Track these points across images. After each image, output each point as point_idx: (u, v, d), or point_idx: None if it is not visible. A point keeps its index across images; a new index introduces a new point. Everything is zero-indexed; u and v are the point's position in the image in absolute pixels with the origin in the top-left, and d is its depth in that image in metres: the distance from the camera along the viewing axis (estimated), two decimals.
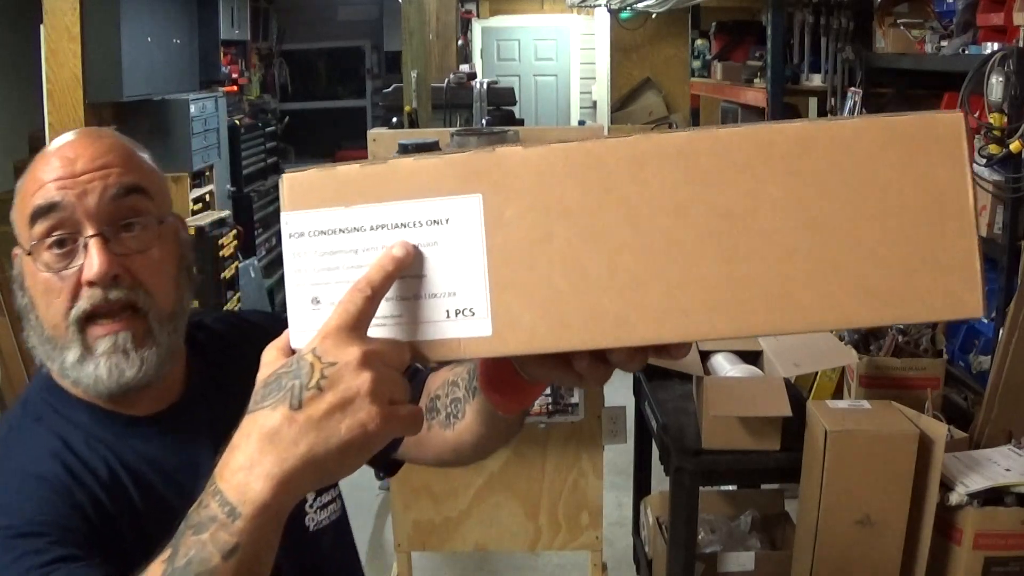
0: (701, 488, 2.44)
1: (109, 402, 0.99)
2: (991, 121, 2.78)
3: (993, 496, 1.98)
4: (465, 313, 0.68)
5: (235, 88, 7.42)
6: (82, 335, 0.95)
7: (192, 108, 5.72)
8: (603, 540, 2.68)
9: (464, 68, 5.24)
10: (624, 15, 7.61)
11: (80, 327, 0.95)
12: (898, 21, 3.71)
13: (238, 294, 5.05)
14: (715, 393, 2.29)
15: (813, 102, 5.25)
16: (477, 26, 9.53)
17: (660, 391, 2.65)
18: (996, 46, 2.90)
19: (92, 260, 0.94)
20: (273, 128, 8.13)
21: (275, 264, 6.23)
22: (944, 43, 3.36)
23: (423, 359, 0.70)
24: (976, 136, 2.84)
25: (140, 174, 0.99)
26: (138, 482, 0.98)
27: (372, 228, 0.69)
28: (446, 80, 4.42)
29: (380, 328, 0.69)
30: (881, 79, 3.96)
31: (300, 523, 1.09)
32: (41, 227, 0.95)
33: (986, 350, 2.90)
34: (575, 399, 2.54)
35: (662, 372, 2.70)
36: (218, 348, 1.13)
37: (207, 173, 6.05)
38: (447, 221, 0.68)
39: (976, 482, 1.99)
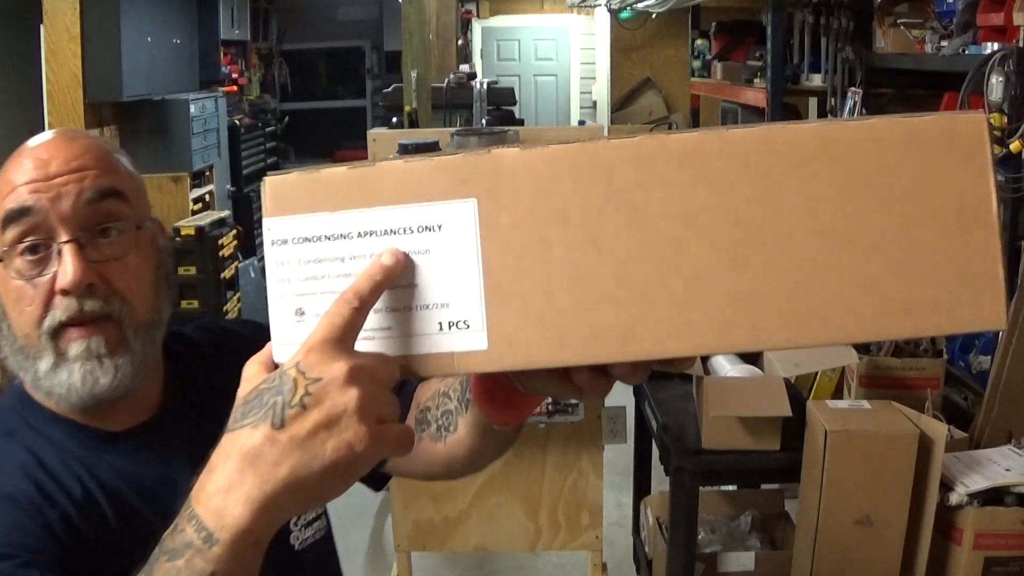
0: (701, 488, 2.44)
1: (83, 415, 0.95)
2: (991, 121, 2.78)
3: (993, 496, 1.98)
4: (459, 326, 0.64)
5: (235, 88, 7.43)
6: (55, 342, 0.91)
7: (192, 108, 5.72)
8: (603, 540, 2.68)
9: (464, 68, 5.24)
10: (624, 15, 7.61)
11: (53, 335, 0.90)
12: (898, 21, 3.71)
13: (238, 294, 5.05)
14: (715, 393, 2.29)
15: (813, 102, 5.25)
16: (477, 26, 9.53)
17: (660, 391, 2.65)
18: (996, 46, 2.90)
19: (66, 268, 0.89)
20: (273, 128, 8.14)
21: None
22: (944, 43, 3.36)
23: (414, 374, 0.66)
24: None
25: (117, 177, 0.95)
26: (113, 500, 0.93)
27: (360, 235, 0.65)
28: (446, 80, 4.42)
29: (368, 341, 0.65)
30: (881, 79, 3.96)
31: (285, 541, 1.05)
32: (13, 232, 0.90)
33: (986, 350, 2.90)
34: (575, 399, 2.54)
35: (662, 372, 2.69)
36: (198, 359, 1.08)
37: (207, 173, 6.05)
38: (440, 228, 0.64)
39: (976, 482, 1.99)
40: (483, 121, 4.07)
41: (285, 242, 0.66)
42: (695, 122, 7.67)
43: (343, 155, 8.88)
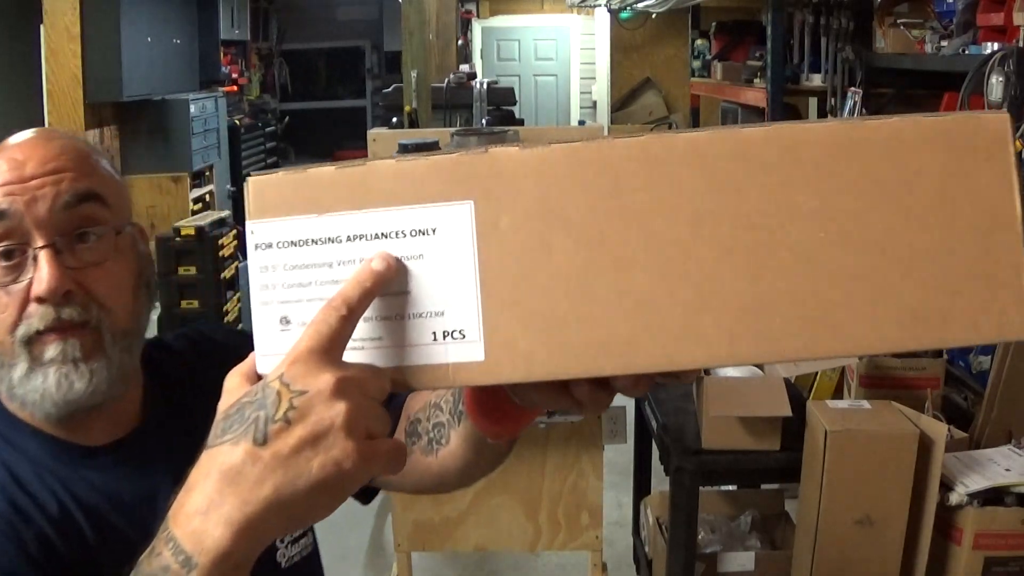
0: (701, 488, 2.44)
1: (60, 428, 0.91)
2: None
3: (993, 496, 1.98)
4: (454, 335, 0.60)
5: (235, 88, 7.43)
6: (29, 348, 0.86)
7: (192, 108, 5.72)
8: (603, 540, 2.68)
9: (464, 68, 5.24)
10: (624, 15, 7.62)
11: (27, 342, 0.86)
12: (898, 21, 3.71)
13: (238, 294, 5.05)
14: (715, 393, 2.29)
15: (813, 102, 5.25)
16: (477, 26, 9.53)
17: (660, 391, 2.65)
18: (996, 46, 2.90)
19: (41, 274, 0.85)
20: (273, 128, 8.14)
21: None
22: (944, 43, 3.36)
23: (406, 387, 0.62)
24: None
25: (96, 179, 0.90)
26: (91, 517, 0.89)
27: (349, 239, 0.61)
28: (446, 80, 4.42)
29: (357, 352, 0.61)
30: (881, 79, 3.96)
31: (272, 560, 1.01)
32: None
33: (986, 350, 2.90)
34: None
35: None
36: (178, 369, 1.04)
37: (207, 173, 6.05)
38: (434, 231, 0.60)
39: (976, 482, 1.99)
40: (483, 121, 4.08)
41: (269, 246, 0.62)
42: (695, 122, 7.67)
43: (343, 155, 8.88)
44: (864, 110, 3.89)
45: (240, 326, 4.77)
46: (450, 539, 2.68)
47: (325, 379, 0.57)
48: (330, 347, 0.58)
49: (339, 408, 0.57)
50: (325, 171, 0.61)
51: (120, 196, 0.93)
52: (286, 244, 0.62)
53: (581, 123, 9.02)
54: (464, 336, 0.60)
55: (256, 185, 0.63)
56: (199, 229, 4.86)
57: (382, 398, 0.60)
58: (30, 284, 0.86)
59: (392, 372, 0.61)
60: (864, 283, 0.56)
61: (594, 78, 9.23)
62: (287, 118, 8.99)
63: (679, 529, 2.40)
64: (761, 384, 2.33)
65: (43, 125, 4.82)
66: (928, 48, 3.52)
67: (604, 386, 0.63)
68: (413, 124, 4.23)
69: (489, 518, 2.64)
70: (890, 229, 0.56)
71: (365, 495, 1.14)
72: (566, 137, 0.60)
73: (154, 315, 5.04)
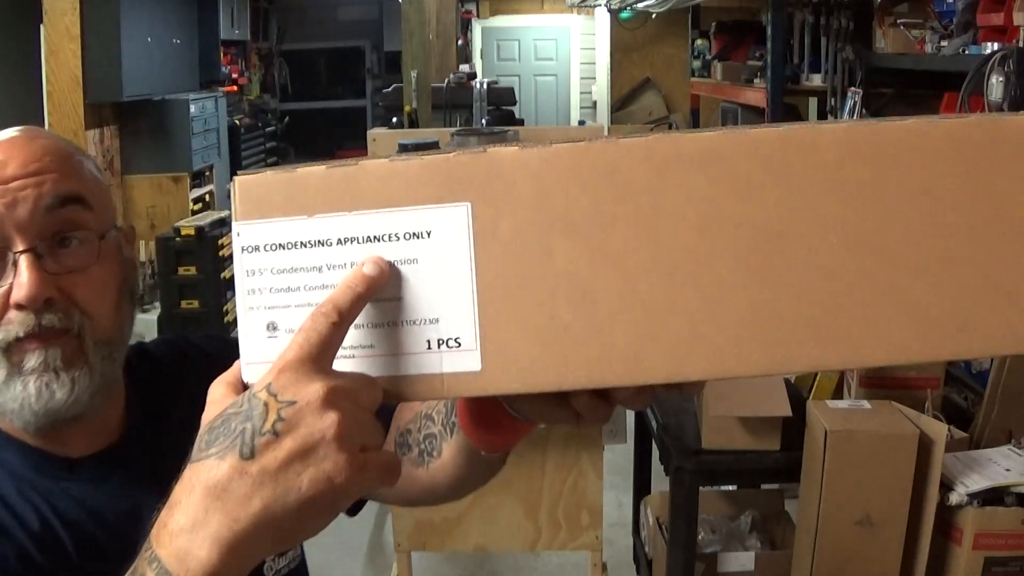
0: (701, 488, 2.44)
1: (40, 439, 0.88)
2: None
3: (993, 496, 1.98)
4: (449, 344, 0.58)
5: (235, 88, 7.44)
6: (8, 355, 0.83)
7: (192, 108, 5.73)
8: (603, 540, 2.68)
9: (464, 68, 5.25)
10: (624, 15, 7.62)
11: (6, 348, 0.83)
12: (898, 21, 3.71)
13: None
14: (715, 393, 2.28)
15: (813, 102, 5.25)
16: (477, 26, 9.53)
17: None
18: (996, 46, 2.90)
19: (22, 280, 0.81)
20: (273, 128, 8.15)
21: None
22: (944, 43, 3.36)
23: (399, 397, 0.59)
24: None
25: (79, 182, 0.87)
26: (73, 532, 0.86)
27: (339, 242, 0.58)
28: (446, 80, 4.42)
29: (348, 360, 0.58)
30: (881, 79, 3.96)
31: (259, 573, 0.98)
32: None
33: None
34: None
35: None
36: (161, 377, 1.00)
37: (207, 173, 6.06)
38: (429, 234, 0.57)
39: (976, 482, 1.99)
40: (483, 121, 4.08)
41: (256, 249, 0.60)
42: (695, 122, 7.67)
43: (343, 155, 8.86)
44: (864, 110, 3.89)
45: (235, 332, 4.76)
46: (450, 539, 2.68)
47: (315, 389, 0.55)
48: (319, 355, 0.56)
49: (330, 419, 0.54)
50: (315, 171, 0.59)
51: (104, 199, 0.90)
52: (274, 247, 0.59)
53: (581, 123, 9.03)
54: (460, 345, 0.58)
55: (243, 185, 0.60)
56: (199, 229, 4.86)
57: (374, 409, 0.57)
58: (9, 290, 0.82)
59: (384, 382, 0.58)
60: (878, 291, 0.54)
61: (594, 78, 9.23)
62: (287, 118, 8.99)
63: (679, 529, 2.40)
64: (761, 384, 2.33)
65: (43, 125, 4.82)
66: (928, 48, 3.52)
67: (604, 397, 0.61)
68: (413, 124, 4.23)
69: (489, 518, 2.64)
70: (906, 235, 0.54)
71: (353, 507, 1.10)
72: (566, 137, 0.58)
73: (154, 315, 5.07)
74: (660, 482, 2.81)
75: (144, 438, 0.95)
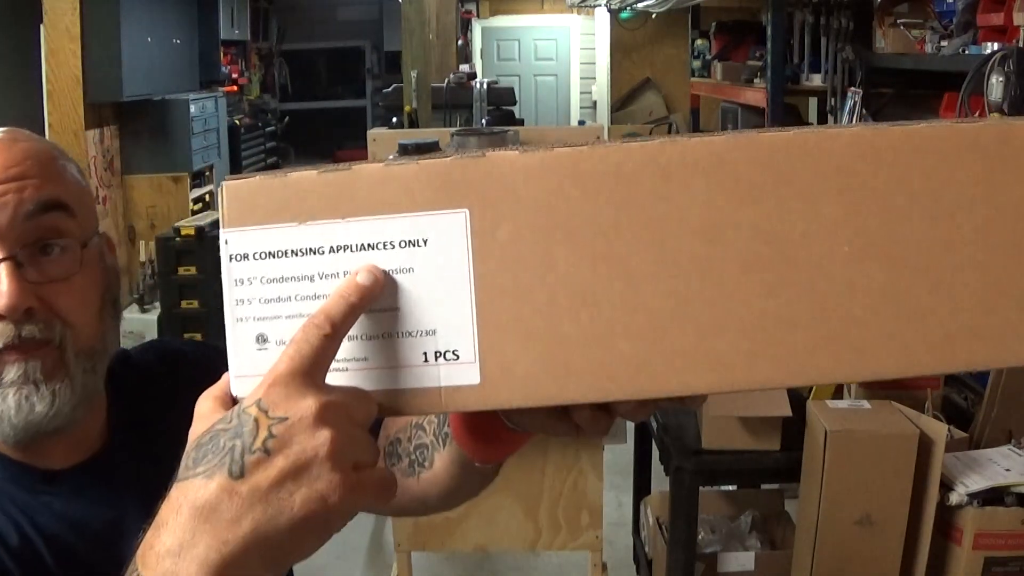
0: (701, 488, 2.44)
1: (19, 451, 0.84)
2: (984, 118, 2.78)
3: (993, 496, 1.98)
4: (447, 356, 0.55)
5: (235, 88, 7.44)
6: None
7: (192, 108, 5.73)
8: (603, 540, 2.68)
9: (464, 68, 5.25)
10: (624, 15, 7.61)
11: None
12: (898, 21, 3.71)
13: None
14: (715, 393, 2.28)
15: (813, 102, 5.25)
16: (477, 26, 9.53)
17: None
18: (996, 46, 2.90)
19: (1, 289, 0.78)
20: (273, 128, 8.15)
21: None
22: (944, 43, 3.36)
23: (394, 412, 0.57)
24: None
25: (61, 187, 0.83)
26: (54, 547, 0.83)
27: (332, 250, 0.56)
28: (446, 80, 4.42)
29: (341, 373, 0.56)
30: (881, 79, 3.96)
31: None
32: None
33: None
34: None
35: None
36: (144, 385, 0.97)
37: (207, 173, 6.06)
38: (425, 242, 0.55)
39: (976, 482, 1.99)
40: (483, 121, 4.08)
41: (245, 257, 0.57)
42: (695, 122, 7.67)
43: (343, 155, 8.89)
44: (864, 110, 3.89)
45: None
46: (450, 539, 2.68)
47: (307, 404, 0.52)
48: (312, 369, 0.54)
49: (323, 437, 0.52)
50: (306, 176, 0.56)
51: (86, 205, 0.87)
52: (263, 255, 0.57)
53: (581, 123, 9.03)
54: (458, 357, 0.56)
55: (231, 190, 0.57)
56: (199, 229, 4.86)
57: (369, 424, 0.55)
58: None
59: (379, 396, 0.56)
60: (890, 301, 0.53)
61: (594, 78, 9.23)
62: (287, 118, 9.00)
63: (679, 529, 2.40)
64: None
65: (43, 125, 4.82)
66: (928, 48, 3.52)
67: (605, 409, 0.59)
68: (413, 124, 4.23)
69: (489, 518, 2.64)
70: (918, 243, 0.52)
71: None
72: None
73: (154, 315, 5.07)
74: (660, 482, 2.81)
75: (128, 448, 0.92)
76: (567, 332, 0.54)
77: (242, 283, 0.57)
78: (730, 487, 2.99)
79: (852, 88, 4.04)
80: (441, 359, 0.56)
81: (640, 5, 6.40)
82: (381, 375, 0.56)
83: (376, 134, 2.70)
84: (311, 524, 0.52)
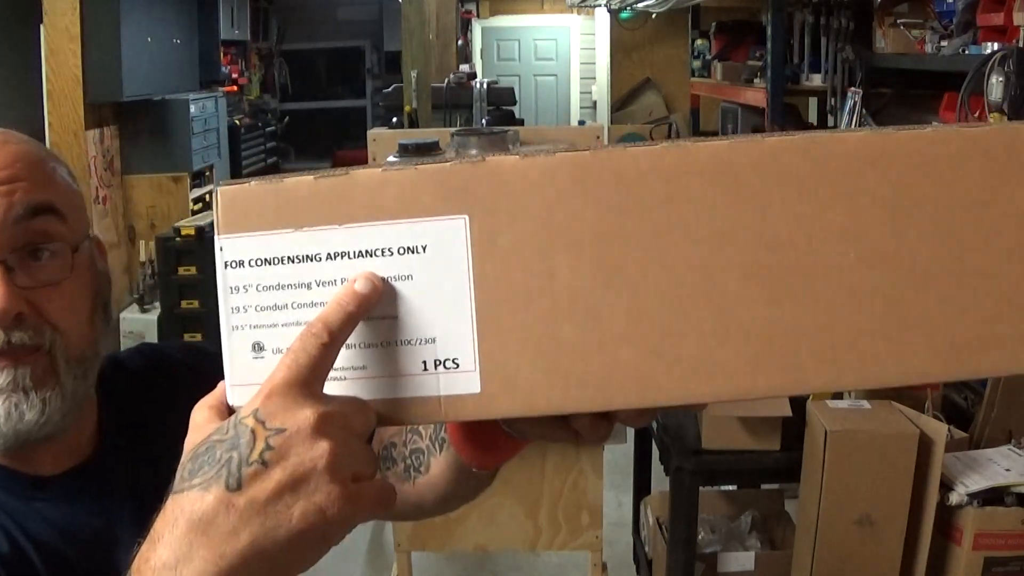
0: (701, 488, 2.44)
1: (8, 457, 0.83)
2: (991, 121, 2.78)
3: (993, 496, 1.98)
4: (447, 365, 0.55)
5: (235, 88, 7.44)
6: None
7: (192, 108, 5.73)
8: (603, 540, 2.68)
9: (464, 68, 5.25)
10: (624, 15, 7.61)
11: None
12: (898, 21, 3.70)
13: None
14: None
15: (813, 102, 5.24)
16: (477, 26, 9.53)
17: None
18: (996, 46, 2.90)
19: None
20: (273, 128, 8.15)
21: None
22: (944, 43, 3.36)
23: (393, 421, 0.56)
24: None
25: (52, 190, 0.82)
26: (46, 556, 0.82)
27: (329, 257, 0.55)
28: (446, 80, 4.42)
29: (339, 383, 0.55)
30: (881, 79, 3.96)
31: None
32: None
33: None
34: None
35: None
36: (135, 389, 0.96)
37: (207, 173, 6.06)
38: (424, 249, 0.54)
39: (976, 482, 1.99)
40: (483, 121, 4.08)
41: (241, 264, 0.56)
42: (695, 122, 7.67)
43: (343, 155, 8.88)
44: (864, 110, 3.89)
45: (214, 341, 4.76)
46: (450, 539, 2.68)
47: (305, 415, 0.52)
48: (309, 378, 0.53)
49: (321, 448, 0.51)
50: (303, 181, 0.55)
51: (77, 208, 0.85)
52: (259, 262, 0.56)
53: (581, 123, 9.02)
54: (458, 366, 0.55)
55: (226, 196, 0.56)
56: (199, 229, 4.86)
57: (367, 435, 0.55)
58: None
59: (378, 405, 0.55)
60: (897, 308, 0.52)
61: (594, 78, 9.23)
62: (287, 118, 9.00)
63: (679, 529, 2.40)
64: None
65: (43, 125, 4.82)
66: (928, 48, 3.52)
67: (605, 416, 0.59)
68: (413, 124, 4.23)
69: (489, 518, 2.64)
70: (925, 250, 0.52)
71: None
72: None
73: (154, 315, 5.08)
74: (660, 482, 2.81)
75: (118, 453, 0.91)
76: (568, 340, 0.54)
77: (238, 290, 0.56)
78: (730, 487, 2.99)
79: (852, 88, 4.04)
80: (441, 368, 0.55)
81: (640, 5, 6.40)
82: (380, 384, 0.56)
83: (376, 134, 2.69)
84: (310, 537, 0.51)
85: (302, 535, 0.51)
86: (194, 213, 5.50)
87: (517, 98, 4.68)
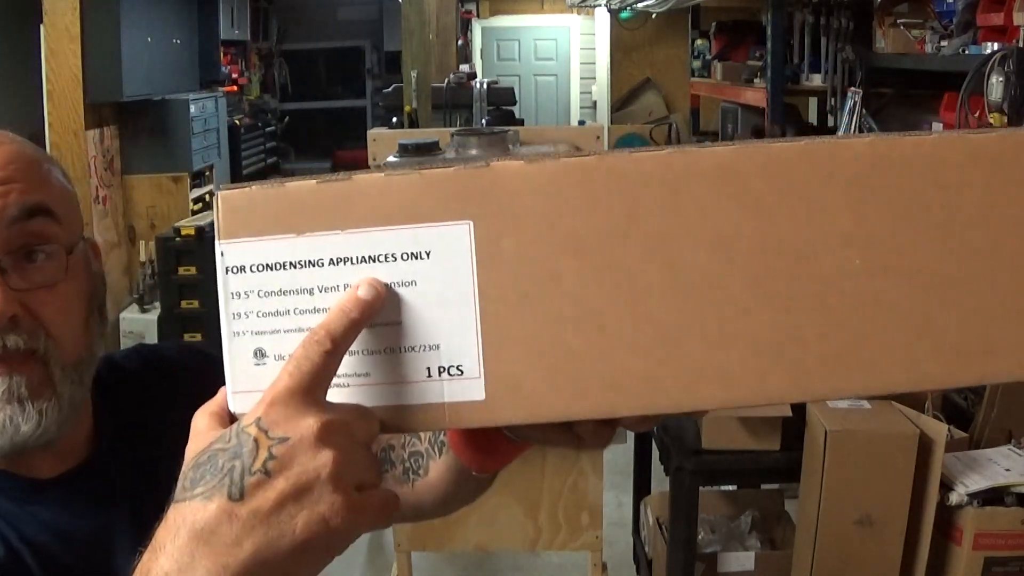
0: (701, 488, 2.44)
1: (2, 460, 0.82)
2: (991, 121, 2.78)
3: (993, 496, 1.98)
4: (451, 372, 0.54)
5: (235, 88, 7.44)
6: None
7: (192, 108, 5.73)
8: (603, 540, 2.68)
9: (464, 68, 5.25)
10: (624, 15, 7.61)
11: None
12: (898, 21, 3.70)
13: None
14: None
15: (813, 102, 5.25)
16: (477, 26, 9.53)
17: None
18: (996, 46, 2.90)
19: None
20: (273, 128, 8.15)
21: None
22: (944, 43, 3.36)
23: (397, 429, 0.56)
24: None
25: (47, 191, 0.80)
26: (41, 559, 0.81)
27: (332, 262, 0.54)
28: (446, 80, 4.42)
29: (342, 390, 0.55)
30: (881, 79, 3.96)
31: None
32: None
33: None
34: None
35: None
36: (130, 390, 0.94)
37: (207, 173, 6.06)
38: (428, 255, 0.54)
39: (976, 482, 1.99)
40: (483, 121, 4.08)
41: (242, 270, 0.55)
42: (695, 122, 7.67)
43: (343, 155, 8.89)
44: (864, 110, 3.89)
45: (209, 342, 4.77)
46: (450, 539, 2.68)
47: (308, 424, 0.51)
48: (312, 386, 0.52)
49: (325, 457, 0.51)
50: (305, 186, 0.55)
51: (72, 210, 0.84)
52: (261, 268, 0.55)
53: (581, 123, 9.02)
54: (462, 372, 0.54)
55: (227, 201, 0.55)
56: (199, 229, 4.87)
57: (371, 442, 0.54)
58: None
59: (381, 412, 0.55)
60: (902, 315, 0.52)
61: (594, 78, 9.23)
62: (287, 118, 9.00)
63: (679, 529, 2.40)
64: None
65: (43, 125, 4.82)
66: (928, 48, 3.52)
67: (608, 421, 0.58)
68: (413, 124, 4.23)
69: (489, 518, 2.64)
70: (930, 256, 0.52)
71: None
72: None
73: (154, 315, 5.08)
74: (660, 482, 2.81)
75: (114, 455, 0.89)
76: (573, 346, 0.53)
77: (239, 296, 0.56)
78: (730, 487, 2.99)
79: (852, 88, 4.04)
80: (445, 375, 0.55)
81: (640, 5, 6.40)
82: (383, 391, 0.55)
83: (376, 134, 2.69)
84: (313, 547, 0.51)
85: (305, 545, 0.51)
86: (194, 213, 5.50)
87: (517, 98, 4.68)
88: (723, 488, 2.98)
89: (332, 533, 0.51)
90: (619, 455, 3.37)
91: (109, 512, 0.86)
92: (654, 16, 7.27)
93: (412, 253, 0.54)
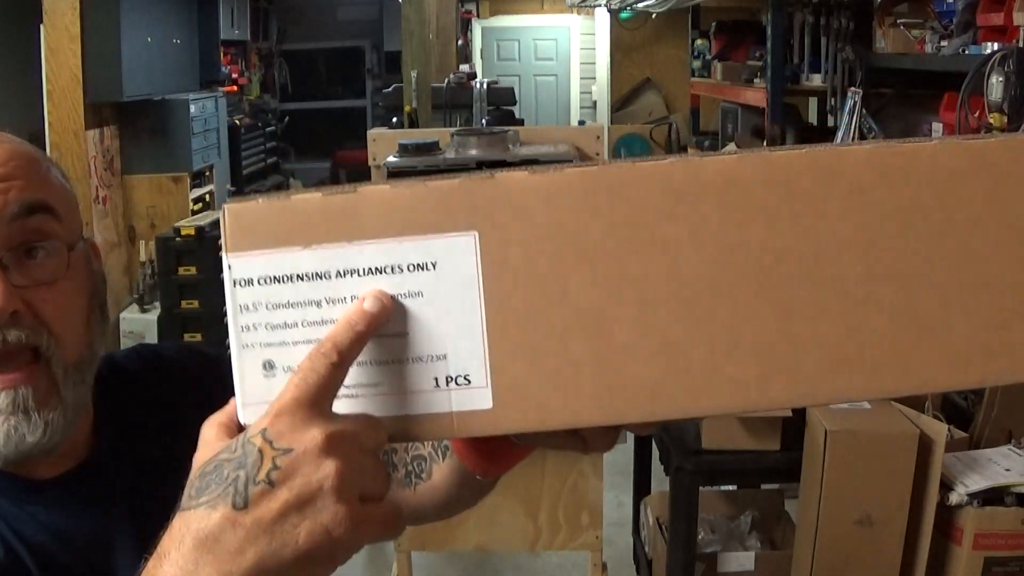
0: (701, 488, 2.44)
1: (2, 464, 0.81)
2: (991, 121, 2.78)
3: (993, 496, 1.98)
4: (458, 381, 0.55)
5: (235, 88, 7.44)
6: None
7: (192, 108, 5.73)
8: (603, 540, 2.68)
9: (464, 68, 5.25)
10: (624, 15, 7.62)
11: None
12: (898, 21, 3.70)
13: None
14: None
15: (813, 102, 5.24)
16: (477, 26, 9.53)
17: None
18: (996, 46, 2.90)
19: None
20: (273, 128, 8.15)
21: None
22: (944, 43, 3.36)
23: (404, 438, 0.56)
24: None
25: (47, 189, 0.81)
26: (41, 560, 0.81)
27: (339, 274, 0.55)
28: (446, 80, 4.42)
29: (349, 400, 0.56)
30: (881, 79, 3.96)
31: None
32: None
33: None
34: None
35: None
36: (131, 391, 0.94)
37: (207, 173, 6.06)
38: (434, 266, 0.55)
39: (976, 482, 1.99)
40: (483, 121, 4.08)
41: (250, 283, 0.56)
42: (695, 122, 7.67)
43: (343, 155, 8.89)
44: (864, 110, 3.89)
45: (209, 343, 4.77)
46: (450, 539, 2.68)
47: (312, 435, 0.52)
48: (318, 398, 0.53)
49: (328, 468, 0.51)
50: (311, 198, 0.55)
51: (71, 208, 0.85)
52: (268, 280, 0.56)
53: (581, 123, 9.02)
54: (469, 382, 0.55)
55: (234, 214, 0.56)
56: (199, 229, 4.87)
57: (379, 451, 0.55)
58: None
59: (389, 422, 0.55)
60: (904, 319, 0.53)
61: (594, 78, 9.23)
62: (287, 118, 8.99)
63: (679, 529, 2.40)
64: None
65: (43, 125, 4.82)
66: (928, 48, 3.52)
67: (612, 425, 0.59)
68: (413, 124, 4.23)
69: (489, 518, 2.64)
70: (931, 261, 0.53)
71: None
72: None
73: (154, 315, 5.08)
74: (660, 482, 2.81)
75: (114, 455, 0.89)
76: (580, 354, 0.54)
77: (247, 309, 0.56)
78: (730, 487, 2.99)
79: (852, 88, 4.04)
80: (452, 384, 0.55)
81: (640, 5, 6.40)
82: (391, 401, 0.56)
83: (376, 134, 2.70)
84: (315, 557, 0.51)
85: (308, 554, 0.51)
86: (194, 213, 5.50)
87: (517, 98, 4.68)
88: (723, 488, 2.98)
89: (335, 543, 0.51)
90: (619, 455, 3.37)
91: (108, 512, 0.86)
92: (654, 16, 7.28)
93: (418, 264, 0.55)
